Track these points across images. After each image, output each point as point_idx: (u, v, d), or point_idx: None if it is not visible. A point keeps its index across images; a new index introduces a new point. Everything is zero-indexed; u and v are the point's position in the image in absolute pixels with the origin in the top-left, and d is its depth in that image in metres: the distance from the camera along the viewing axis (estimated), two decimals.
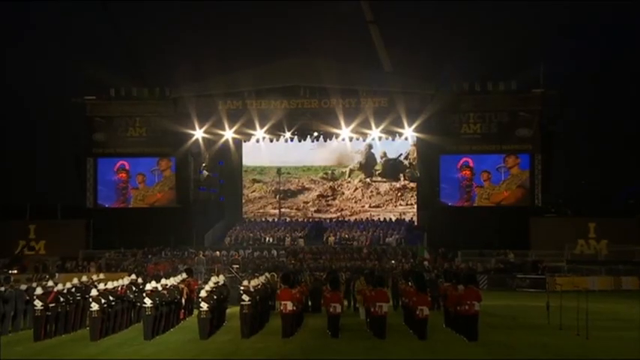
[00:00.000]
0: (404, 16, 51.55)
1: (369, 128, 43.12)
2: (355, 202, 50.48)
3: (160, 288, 19.61)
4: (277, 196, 51.45)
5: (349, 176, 50.90)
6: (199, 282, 26.70)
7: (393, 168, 49.84)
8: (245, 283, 20.37)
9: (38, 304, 18.95)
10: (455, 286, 19.36)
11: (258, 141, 46.51)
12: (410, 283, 20.74)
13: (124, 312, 20.41)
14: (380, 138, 45.50)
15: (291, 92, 42.39)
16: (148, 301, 18.58)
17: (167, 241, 42.12)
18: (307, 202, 51.05)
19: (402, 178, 49.83)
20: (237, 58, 47.17)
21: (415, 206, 48.56)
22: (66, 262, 40.08)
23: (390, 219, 48.24)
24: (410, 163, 48.55)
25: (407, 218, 48.50)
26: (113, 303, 19.50)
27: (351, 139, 46.31)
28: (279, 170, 51.05)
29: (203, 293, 19.23)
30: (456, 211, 42.28)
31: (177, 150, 43.63)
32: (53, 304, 19.26)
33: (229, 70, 44.15)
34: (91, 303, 18.78)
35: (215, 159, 47.75)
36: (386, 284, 21.15)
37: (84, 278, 22.46)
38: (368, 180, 50.61)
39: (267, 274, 26.42)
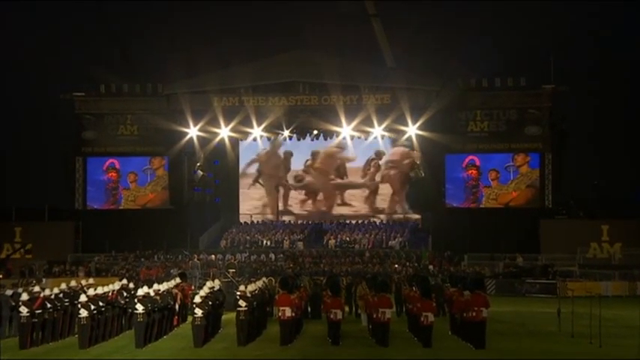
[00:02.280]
0: (407, 9, 50.89)
1: (371, 126, 42.81)
2: (355, 204, 49.60)
3: (152, 293, 19.49)
4: (275, 197, 50.55)
5: (349, 178, 49.97)
6: (194, 287, 26.69)
7: (394, 170, 48.95)
8: (242, 288, 20.30)
9: (24, 310, 18.78)
10: (461, 292, 19.22)
11: (255, 139, 45.76)
12: (414, 289, 20.64)
13: (115, 318, 20.28)
14: (382, 137, 44.90)
15: (290, 88, 42.22)
16: (139, 307, 18.43)
17: (160, 244, 41.56)
18: (306, 205, 50.17)
19: (404, 180, 48.89)
20: (233, 52, 46.64)
21: (419, 208, 47.62)
22: (53, 266, 39.47)
23: (394, 221, 47.59)
24: (414, 164, 47.66)
25: (411, 220, 47.64)
26: (103, 309, 19.32)
27: (352, 138, 45.67)
28: (277, 171, 50.15)
29: (197, 299, 19.20)
30: (462, 213, 41.87)
31: (170, 149, 43.40)
32: (40, 311, 19.06)
33: (225, 65, 44.01)
34: (79, 309, 18.63)
35: (210, 158, 47.18)
36: (389, 289, 21.09)
37: (72, 283, 22.48)
38: (370, 182, 49.70)
39: (264, 278, 26.67)
